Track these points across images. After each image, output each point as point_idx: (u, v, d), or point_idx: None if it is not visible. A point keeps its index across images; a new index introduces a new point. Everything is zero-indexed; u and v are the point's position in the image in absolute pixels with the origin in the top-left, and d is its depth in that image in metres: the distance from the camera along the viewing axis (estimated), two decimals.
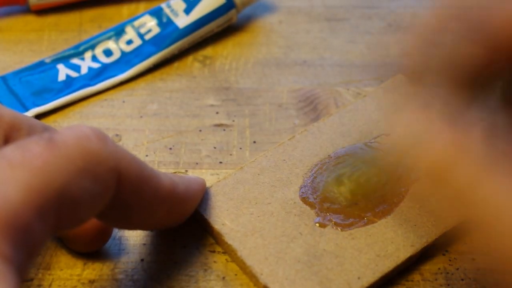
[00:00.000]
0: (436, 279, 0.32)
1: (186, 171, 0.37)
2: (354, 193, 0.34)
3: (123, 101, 0.40)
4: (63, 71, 0.41)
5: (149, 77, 0.42)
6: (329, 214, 0.33)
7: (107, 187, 0.25)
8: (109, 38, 0.43)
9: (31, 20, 0.45)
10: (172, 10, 0.43)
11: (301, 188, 0.34)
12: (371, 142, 0.36)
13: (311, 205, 0.33)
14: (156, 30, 0.43)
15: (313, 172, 0.35)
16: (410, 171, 0.35)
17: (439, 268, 0.33)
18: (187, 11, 0.43)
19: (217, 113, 0.40)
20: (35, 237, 0.22)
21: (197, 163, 0.37)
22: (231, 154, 0.38)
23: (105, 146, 0.25)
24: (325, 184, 0.34)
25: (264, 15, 0.46)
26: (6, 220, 0.21)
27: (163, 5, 0.44)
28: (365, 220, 0.33)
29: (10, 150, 0.23)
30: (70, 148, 0.24)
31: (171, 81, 0.42)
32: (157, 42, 0.42)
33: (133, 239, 0.33)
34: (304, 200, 0.34)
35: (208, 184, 0.34)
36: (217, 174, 0.37)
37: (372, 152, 0.36)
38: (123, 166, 0.26)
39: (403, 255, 0.32)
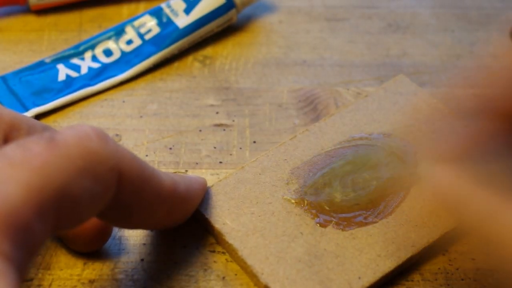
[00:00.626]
0: (436, 279, 0.32)
1: (186, 171, 0.37)
2: (355, 192, 0.34)
3: (123, 101, 0.40)
4: (63, 71, 0.41)
5: (149, 77, 0.42)
6: (330, 214, 0.33)
7: (107, 187, 0.25)
8: (109, 38, 0.43)
9: (31, 20, 0.45)
10: (172, 10, 0.43)
11: (302, 187, 0.34)
12: (372, 140, 0.36)
13: (312, 205, 0.33)
14: (156, 30, 0.43)
15: (314, 171, 0.35)
16: (411, 172, 0.35)
17: (439, 268, 0.33)
18: (187, 11, 0.43)
19: (217, 113, 0.40)
20: (35, 236, 0.22)
21: (197, 163, 0.37)
22: (231, 154, 0.38)
23: (106, 145, 0.25)
24: (326, 184, 0.34)
25: (264, 15, 0.46)
26: (6, 219, 0.21)
27: (163, 5, 0.44)
28: (366, 220, 0.33)
29: (11, 149, 0.23)
30: (71, 148, 0.24)
31: (171, 81, 0.42)
32: (157, 42, 0.42)
33: (133, 239, 0.33)
34: (305, 199, 0.34)
35: (208, 184, 0.34)
36: (217, 174, 0.37)
37: (373, 151, 0.36)
38: (124, 166, 0.26)
39: (404, 255, 0.32)
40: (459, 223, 0.32)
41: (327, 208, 0.33)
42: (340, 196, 0.34)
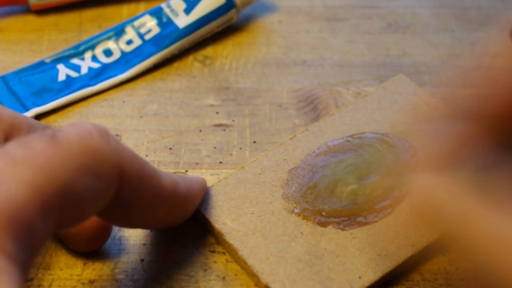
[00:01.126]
0: (436, 279, 0.32)
1: (186, 171, 0.37)
2: (354, 192, 0.34)
3: (123, 101, 0.40)
4: (63, 71, 0.41)
5: (149, 77, 0.42)
6: (330, 213, 0.33)
7: (109, 184, 0.25)
8: (109, 38, 0.43)
9: (31, 20, 0.45)
10: (172, 10, 0.43)
11: (302, 187, 0.34)
12: (370, 139, 0.36)
13: (312, 205, 0.33)
14: (156, 30, 0.43)
15: (314, 171, 0.35)
16: (411, 170, 0.35)
17: (439, 268, 0.33)
18: (187, 11, 0.43)
19: (217, 113, 0.40)
20: (38, 235, 0.22)
21: (197, 163, 0.37)
22: (231, 154, 0.38)
23: (107, 143, 0.25)
24: (327, 184, 0.34)
25: (264, 15, 0.46)
26: (9, 217, 0.21)
27: (163, 5, 0.44)
28: (366, 220, 0.33)
29: (13, 147, 0.23)
30: (73, 145, 0.24)
31: (171, 81, 0.42)
32: (157, 42, 0.42)
33: (133, 239, 0.33)
34: (304, 200, 0.34)
35: (208, 184, 0.34)
36: (217, 174, 0.37)
37: (372, 150, 0.36)
38: (125, 164, 0.26)
39: (404, 255, 0.32)
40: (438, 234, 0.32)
41: (327, 207, 0.33)
42: (340, 196, 0.34)
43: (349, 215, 0.33)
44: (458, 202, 0.26)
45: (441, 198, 0.26)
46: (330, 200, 0.33)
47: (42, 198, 0.22)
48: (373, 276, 0.31)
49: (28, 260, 0.22)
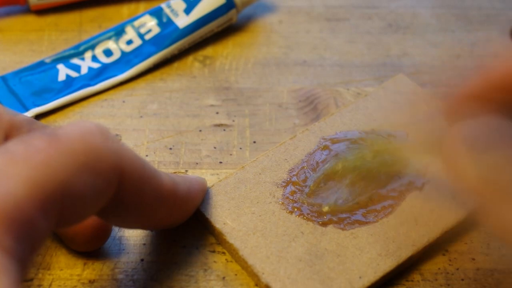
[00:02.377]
0: (436, 279, 0.32)
1: (186, 171, 0.37)
2: (354, 192, 0.34)
3: (123, 101, 0.40)
4: (63, 71, 0.41)
5: (149, 77, 0.42)
6: (330, 213, 0.33)
7: (109, 183, 0.25)
8: (109, 38, 0.43)
9: (31, 20, 0.45)
10: (172, 10, 0.43)
11: (302, 187, 0.34)
12: (369, 137, 0.36)
13: (312, 205, 0.33)
14: (156, 30, 0.43)
15: (314, 171, 0.35)
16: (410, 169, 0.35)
17: (439, 268, 0.33)
18: (187, 11, 0.43)
19: (217, 113, 0.40)
20: (38, 232, 0.22)
21: (197, 163, 0.37)
22: (231, 154, 0.38)
23: (108, 142, 0.25)
24: (326, 183, 0.34)
25: (264, 15, 0.46)
26: (8, 214, 0.21)
27: (163, 5, 0.44)
28: (366, 219, 0.33)
29: (14, 145, 0.23)
30: (74, 144, 0.24)
31: (171, 81, 0.42)
32: (157, 42, 0.42)
33: (133, 239, 0.33)
34: (305, 199, 0.34)
35: (208, 184, 0.34)
36: (217, 174, 0.37)
37: (372, 149, 0.36)
38: (125, 163, 0.26)
39: (405, 254, 0.32)
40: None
41: (327, 207, 0.33)
42: (340, 195, 0.34)
43: (349, 213, 0.33)
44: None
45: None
46: (331, 197, 0.33)
47: (42, 195, 0.22)
48: (373, 276, 0.31)
49: (27, 258, 0.22)
